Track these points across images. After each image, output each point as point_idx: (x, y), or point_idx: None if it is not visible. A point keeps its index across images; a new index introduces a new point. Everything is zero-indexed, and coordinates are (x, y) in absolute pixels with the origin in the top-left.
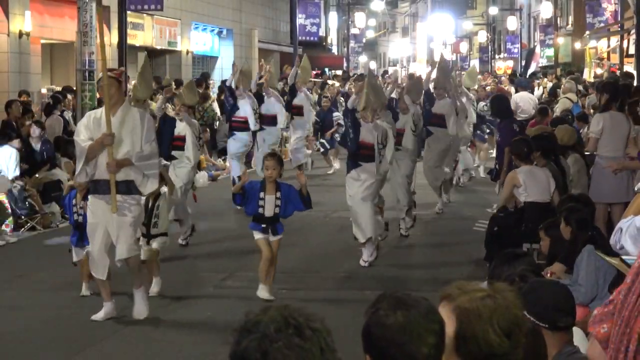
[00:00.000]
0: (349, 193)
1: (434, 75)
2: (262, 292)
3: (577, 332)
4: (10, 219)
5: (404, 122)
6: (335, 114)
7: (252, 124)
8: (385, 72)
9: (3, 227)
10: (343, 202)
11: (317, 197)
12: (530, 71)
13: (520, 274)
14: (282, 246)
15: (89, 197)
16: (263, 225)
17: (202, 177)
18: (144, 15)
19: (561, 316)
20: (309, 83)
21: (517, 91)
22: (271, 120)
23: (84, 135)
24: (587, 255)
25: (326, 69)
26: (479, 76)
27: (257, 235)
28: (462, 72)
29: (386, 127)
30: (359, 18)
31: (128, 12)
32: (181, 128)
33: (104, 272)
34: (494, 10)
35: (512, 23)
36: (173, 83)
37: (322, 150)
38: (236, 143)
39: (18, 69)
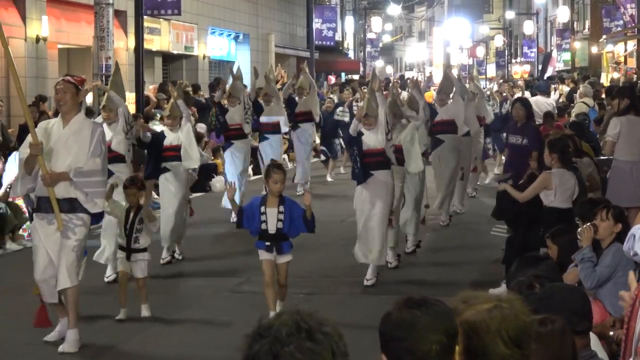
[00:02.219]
0: (359, 206)
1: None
2: None
3: (592, 336)
4: (28, 223)
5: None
6: (339, 108)
7: (247, 129)
8: (402, 76)
9: (20, 231)
10: None
11: (332, 202)
12: (546, 75)
13: (539, 278)
14: (298, 250)
15: (34, 217)
16: (267, 243)
17: (218, 181)
18: (161, 20)
19: (578, 320)
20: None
21: (533, 95)
22: (274, 129)
23: (24, 149)
24: (616, 249)
25: (342, 74)
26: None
27: (262, 255)
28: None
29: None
30: (376, 22)
31: (145, 17)
32: (173, 137)
33: (54, 295)
34: (510, 15)
35: (528, 27)
36: (190, 87)
37: (323, 158)
38: (235, 152)
39: (35, 74)
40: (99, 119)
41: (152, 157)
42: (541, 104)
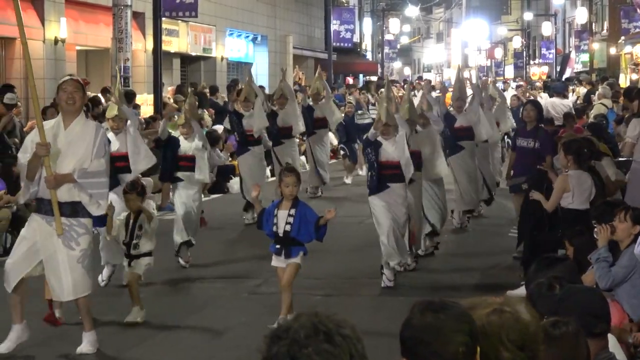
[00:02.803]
0: (375, 213)
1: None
2: None
3: (610, 338)
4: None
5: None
6: (358, 111)
7: (297, 129)
8: (420, 77)
9: None
10: None
11: (350, 203)
12: (565, 77)
13: (558, 279)
14: (317, 252)
15: (32, 215)
16: (277, 247)
17: (236, 183)
18: (179, 21)
19: (597, 322)
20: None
21: (551, 97)
22: (288, 132)
23: (25, 153)
24: (633, 250)
25: (360, 75)
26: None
27: (273, 261)
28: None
29: (416, 138)
30: (394, 24)
31: (163, 19)
32: (187, 147)
33: (14, 283)
34: (528, 16)
35: (547, 28)
36: (208, 89)
37: (342, 153)
38: (250, 158)
39: (54, 76)
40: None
41: (168, 159)
42: (557, 105)
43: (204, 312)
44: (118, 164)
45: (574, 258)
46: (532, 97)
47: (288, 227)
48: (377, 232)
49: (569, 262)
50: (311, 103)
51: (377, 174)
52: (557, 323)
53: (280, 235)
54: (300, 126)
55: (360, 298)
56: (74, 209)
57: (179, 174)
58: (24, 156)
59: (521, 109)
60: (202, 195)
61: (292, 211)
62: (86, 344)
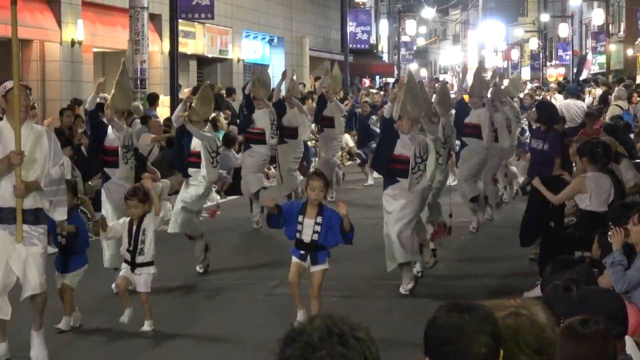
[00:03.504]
0: (386, 209)
1: (468, 82)
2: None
3: (627, 340)
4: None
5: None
6: (373, 116)
7: (268, 137)
8: (436, 79)
9: None
10: None
11: (367, 205)
12: (581, 78)
13: (575, 281)
14: (333, 253)
15: None
16: (302, 252)
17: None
18: (195, 23)
19: (614, 324)
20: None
21: (565, 98)
22: (293, 133)
23: None
24: None
25: (377, 77)
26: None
27: (294, 260)
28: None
29: (427, 139)
30: (410, 25)
31: (179, 21)
32: (196, 143)
33: (7, 311)
34: (545, 17)
35: (563, 30)
36: (224, 90)
37: (359, 161)
38: (252, 158)
39: (70, 77)
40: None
41: (183, 150)
42: (572, 107)
43: (220, 313)
44: (108, 158)
45: (599, 258)
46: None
47: (316, 237)
48: (385, 228)
49: (585, 263)
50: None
51: (383, 167)
52: (586, 322)
53: (307, 242)
54: (305, 133)
55: (376, 300)
56: (36, 217)
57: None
58: None
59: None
60: (219, 197)
61: (319, 219)
62: (39, 347)
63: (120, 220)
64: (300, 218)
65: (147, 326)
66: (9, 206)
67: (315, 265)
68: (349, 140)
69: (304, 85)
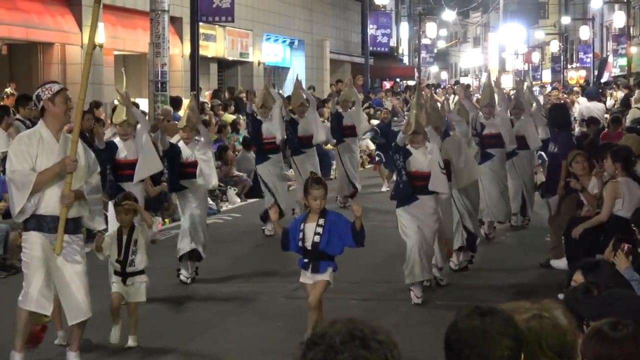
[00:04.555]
0: (403, 224)
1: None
2: None
3: None
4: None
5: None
6: (394, 118)
7: (279, 138)
8: (457, 82)
9: None
10: None
11: (386, 209)
12: (602, 81)
13: (595, 283)
14: (353, 255)
15: (30, 233)
16: (305, 260)
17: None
18: (216, 26)
19: None
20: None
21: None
22: (309, 142)
23: (25, 164)
24: None
25: (397, 79)
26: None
27: (302, 278)
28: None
29: (446, 147)
30: (430, 28)
31: (200, 24)
32: (188, 153)
33: (37, 305)
34: (566, 20)
35: (584, 32)
36: (244, 93)
37: (377, 159)
38: (270, 168)
39: (91, 80)
40: (109, 132)
41: (172, 168)
42: (592, 110)
43: (241, 315)
44: (122, 172)
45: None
46: (562, 101)
47: (317, 238)
48: (408, 243)
49: (610, 266)
50: (340, 110)
51: (407, 183)
52: (616, 325)
53: (309, 248)
54: (321, 134)
55: (397, 302)
56: (76, 225)
57: (183, 182)
58: (23, 166)
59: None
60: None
61: (321, 221)
62: None
63: (107, 234)
64: (301, 226)
65: (131, 341)
66: (52, 214)
67: (316, 274)
68: (369, 143)
69: (313, 89)
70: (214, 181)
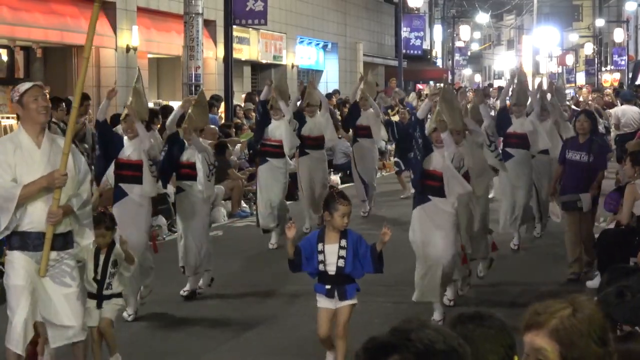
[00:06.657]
0: (414, 228)
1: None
2: None
3: None
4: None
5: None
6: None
7: (287, 149)
8: (490, 85)
9: None
10: None
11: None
12: (637, 83)
13: (628, 287)
14: (385, 258)
15: (13, 254)
16: (327, 287)
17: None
18: (250, 29)
19: None
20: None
21: (621, 104)
22: (316, 143)
23: (6, 175)
24: None
25: (431, 82)
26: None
27: (319, 302)
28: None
29: (462, 151)
30: (464, 31)
31: (234, 27)
32: (190, 154)
33: (24, 345)
34: (600, 22)
35: (619, 35)
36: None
37: (396, 169)
38: (269, 172)
39: (125, 83)
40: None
41: (171, 158)
42: (627, 113)
43: (274, 321)
44: (122, 172)
45: None
46: (596, 105)
47: (342, 263)
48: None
49: None
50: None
51: (423, 143)
52: None
53: (332, 274)
54: (333, 133)
55: (430, 305)
56: (65, 241)
57: (179, 184)
58: (4, 178)
59: (574, 119)
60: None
61: (343, 242)
62: None
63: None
64: (320, 247)
65: None
66: (37, 231)
67: (343, 300)
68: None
69: (338, 93)
70: (212, 190)
